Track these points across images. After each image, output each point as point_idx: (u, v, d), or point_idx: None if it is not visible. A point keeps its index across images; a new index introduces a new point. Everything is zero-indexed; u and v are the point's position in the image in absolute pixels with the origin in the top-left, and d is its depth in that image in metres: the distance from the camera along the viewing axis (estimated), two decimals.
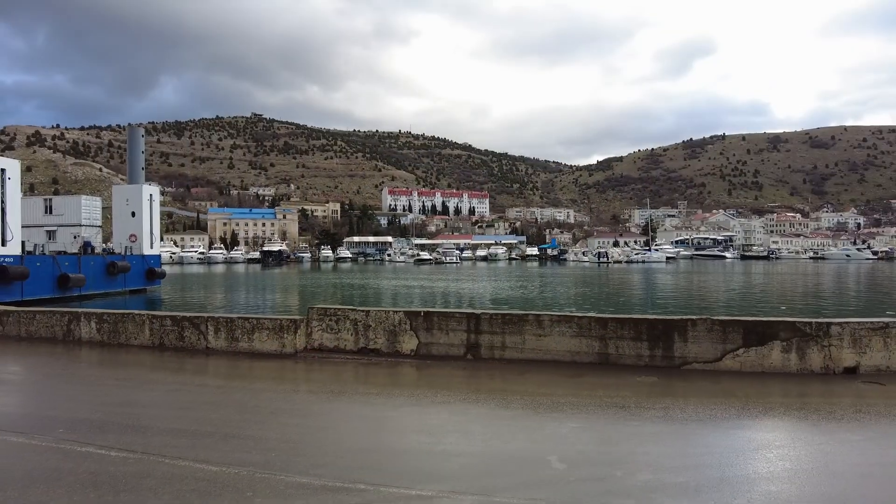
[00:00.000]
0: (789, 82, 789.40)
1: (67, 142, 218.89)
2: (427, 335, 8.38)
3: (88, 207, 43.45)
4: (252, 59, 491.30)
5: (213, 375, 8.24)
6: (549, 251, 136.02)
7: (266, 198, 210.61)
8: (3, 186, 30.90)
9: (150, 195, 43.58)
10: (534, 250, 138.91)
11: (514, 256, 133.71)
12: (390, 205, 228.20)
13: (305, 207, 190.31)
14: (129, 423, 5.65)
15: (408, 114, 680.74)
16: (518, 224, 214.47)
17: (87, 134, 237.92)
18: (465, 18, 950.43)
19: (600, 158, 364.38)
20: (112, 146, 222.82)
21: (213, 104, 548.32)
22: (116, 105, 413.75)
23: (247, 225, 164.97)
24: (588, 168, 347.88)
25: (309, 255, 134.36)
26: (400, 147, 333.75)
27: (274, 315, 9.12)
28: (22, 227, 39.84)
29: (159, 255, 45.43)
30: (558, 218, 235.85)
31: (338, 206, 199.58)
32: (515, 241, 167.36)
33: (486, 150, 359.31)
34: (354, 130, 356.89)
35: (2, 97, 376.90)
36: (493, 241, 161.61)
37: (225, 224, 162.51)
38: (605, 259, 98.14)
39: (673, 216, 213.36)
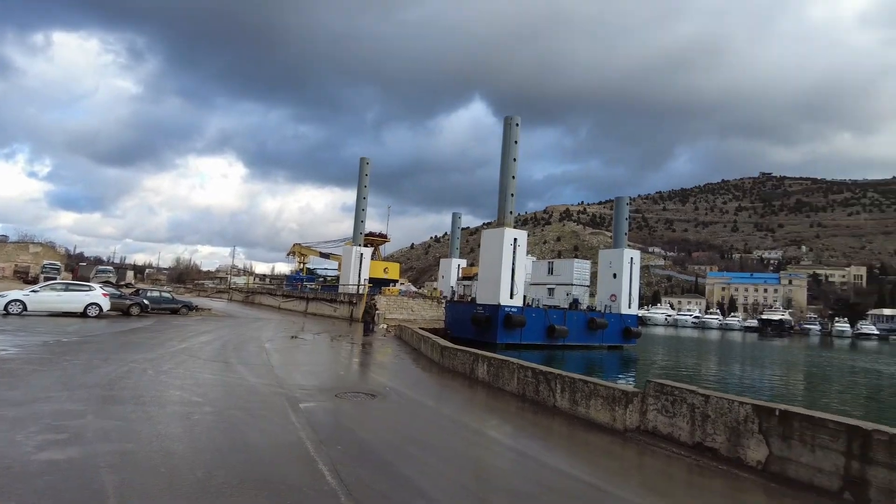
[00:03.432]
0: None
1: (588, 215, 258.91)
2: (782, 446, 5.67)
3: (579, 269, 49.48)
4: (768, 117, 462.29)
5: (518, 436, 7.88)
6: None
7: (771, 262, 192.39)
8: (514, 252, 38.52)
9: (631, 258, 46.33)
10: None
11: None
12: None
13: (818, 272, 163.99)
14: (403, 473, 6.01)
15: None
16: None
17: (604, 207, 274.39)
18: None
19: None
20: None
21: (721, 168, 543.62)
22: (635, 179, 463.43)
23: (746, 290, 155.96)
24: None
25: (819, 327, 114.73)
26: None
27: (609, 383, 8.11)
28: (531, 284, 49.02)
29: (636, 315, 47.38)
30: None
31: (863, 271, 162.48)
32: None
33: None
34: (894, 177, 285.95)
35: (553, 184, 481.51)
36: None
37: (723, 289, 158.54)
38: None
39: None
